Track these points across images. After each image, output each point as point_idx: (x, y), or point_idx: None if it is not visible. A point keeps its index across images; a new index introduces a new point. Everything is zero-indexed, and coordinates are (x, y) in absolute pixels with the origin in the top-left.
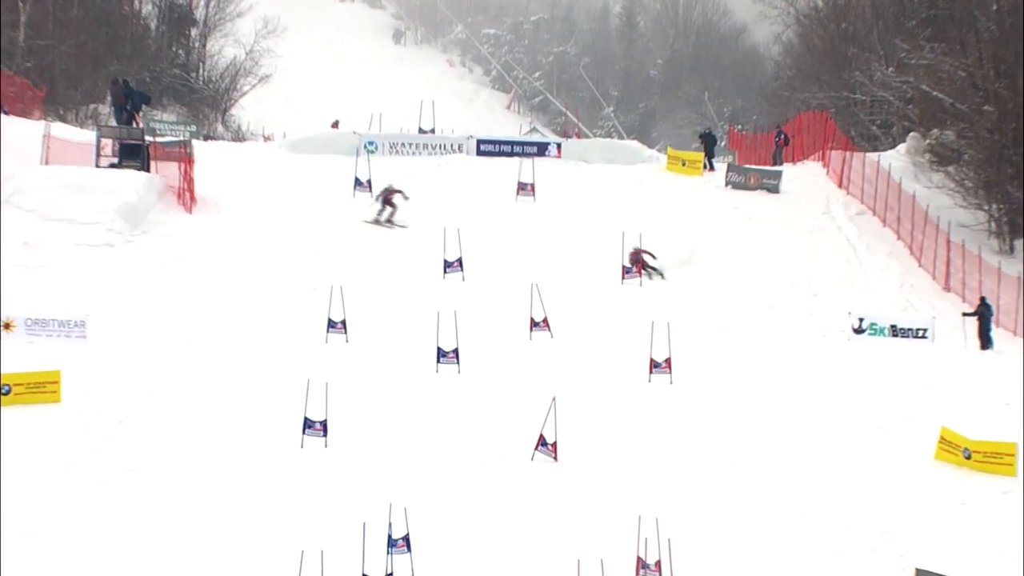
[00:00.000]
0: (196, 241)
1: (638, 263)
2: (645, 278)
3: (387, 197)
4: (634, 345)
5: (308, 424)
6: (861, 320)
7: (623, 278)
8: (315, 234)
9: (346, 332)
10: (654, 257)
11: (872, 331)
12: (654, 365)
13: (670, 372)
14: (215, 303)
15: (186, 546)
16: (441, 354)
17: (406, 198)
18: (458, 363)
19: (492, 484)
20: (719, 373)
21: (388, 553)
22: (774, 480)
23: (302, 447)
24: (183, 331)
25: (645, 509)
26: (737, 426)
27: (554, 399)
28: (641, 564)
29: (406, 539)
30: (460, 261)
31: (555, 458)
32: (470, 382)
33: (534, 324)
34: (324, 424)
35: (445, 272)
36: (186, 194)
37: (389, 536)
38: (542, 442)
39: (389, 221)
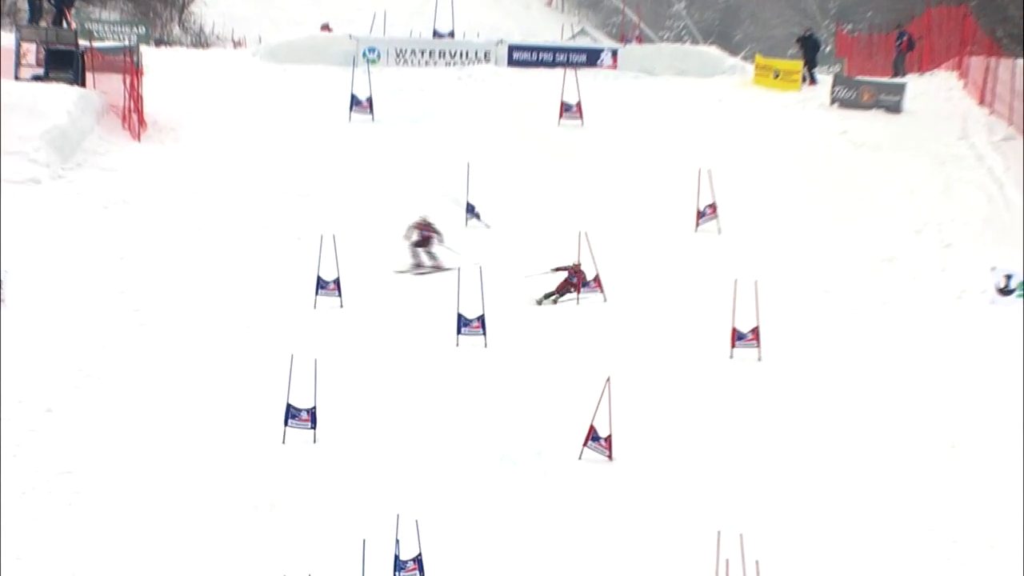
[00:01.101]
0: (146, 177)
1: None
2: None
3: (421, 239)
4: (711, 311)
5: (292, 413)
6: (1008, 278)
7: (697, 224)
8: (300, 168)
9: (340, 294)
10: None
11: (1022, 292)
12: (737, 336)
13: (758, 345)
14: (171, 257)
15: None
16: (463, 323)
17: (442, 242)
18: (484, 334)
19: (528, 490)
20: (822, 347)
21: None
22: (894, 485)
23: (284, 442)
24: (129, 294)
25: (726, 523)
26: (845, 415)
27: (608, 381)
28: None
29: (418, 561)
30: (472, 209)
31: (609, 456)
32: (500, 358)
33: (583, 283)
34: (312, 413)
35: (468, 218)
36: (133, 116)
37: (396, 557)
38: (593, 436)
39: (435, 267)
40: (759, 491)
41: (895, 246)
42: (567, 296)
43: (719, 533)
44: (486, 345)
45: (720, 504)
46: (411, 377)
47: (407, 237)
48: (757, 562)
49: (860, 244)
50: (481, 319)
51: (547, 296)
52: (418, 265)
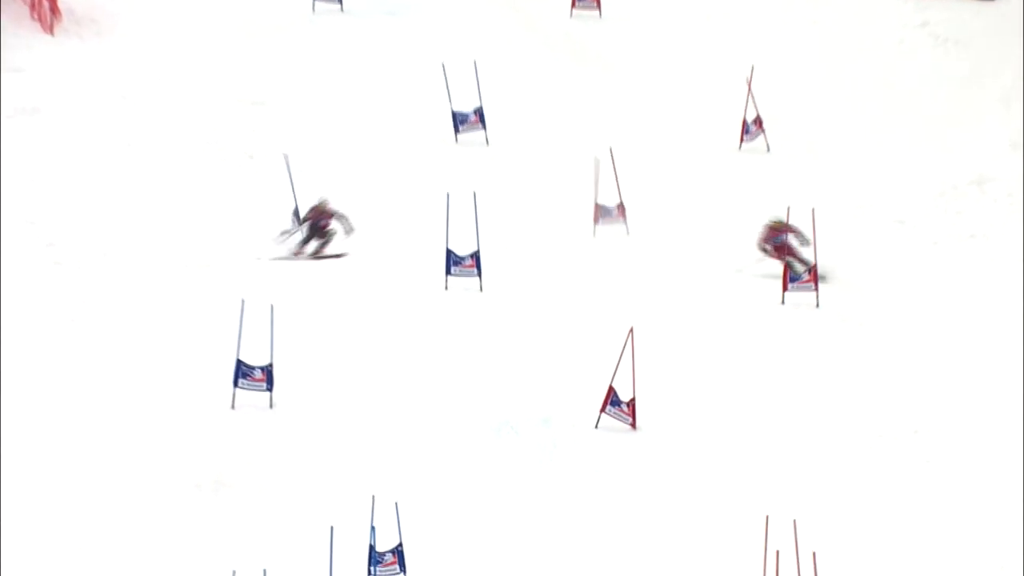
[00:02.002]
0: (60, 79)
1: (780, 247)
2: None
3: (317, 219)
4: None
5: (243, 372)
6: None
7: (741, 140)
8: (253, 71)
9: (300, 225)
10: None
11: None
12: (790, 278)
13: (815, 288)
14: (92, 181)
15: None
16: (453, 260)
17: (348, 230)
18: (479, 275)
19: (533, 466)
20: (894, 289)
21: (371, 575)
22: (985, 460)
23: (233, 408)
24: (41, 225)
25: (775, 505)
26: (921, 376)
27: (631, 332)
28: None
29: (398, 552)
30: (481, 113)
31: (632, 424)
32: (497, 304)
33: (600, 213)
34: (268, 372)
35: (458, 130)
36: (43, 4)
37: (371, 548)
38: (612, 400)
39: (317, 255)
40: (816, 467)
41: (986, 165)
42: None
43: (767, 518)
44: (481, 288)
45: (768, 483)
46: (389, 328)
47: (300, 221)
48: (814, 553)
49: (942, 164)
50: (475, 256)
51: None
52: (298, 255)
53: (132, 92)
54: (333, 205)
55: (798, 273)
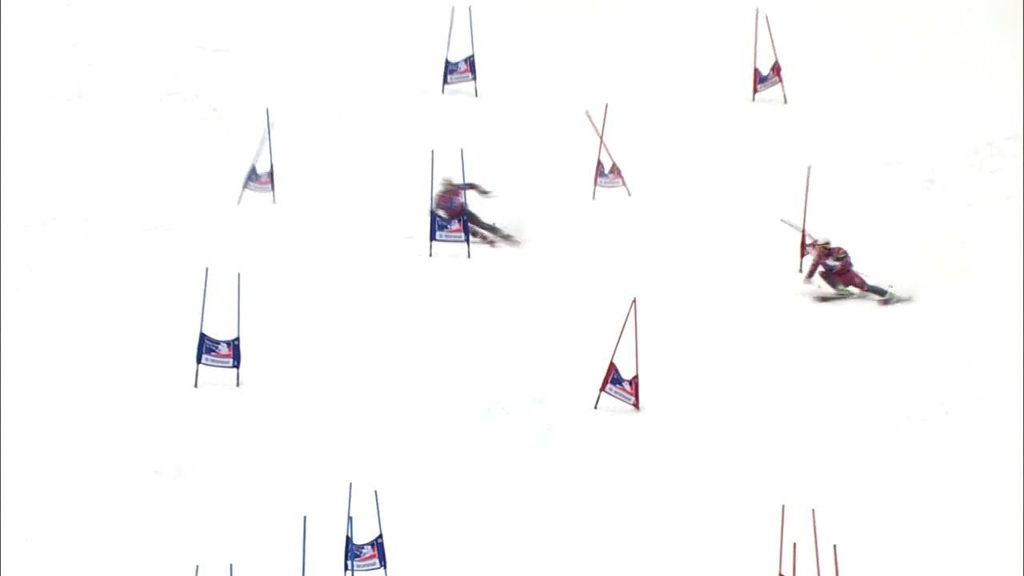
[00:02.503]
0: (7, 28)
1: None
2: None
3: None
4: (775, 210)
5: (207, 347)
6: None
7: (755, 89)
8: (214, 11)
9: (273, 186)
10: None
11: None
12: (809, 244)
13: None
14: (41, 138)
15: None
16: (438, 225)
17: (484, 192)
18: (467, 240)
19: (525, 449)
20: (921, 256)
21: (348, 569)
22: (1020, 442)
23: (196, 386)
24: None
25: (792, 493)
26: (953, 350)
27: (634, 303)
28: None
29: (377, 545)
30: (471, 63)
31: (635, 404)
32: (486, 272)
33: (600, 172)
34: (234, 346)
35: (447, 79)
36: None
37: (348, 540)
38: (613, 377)
39: (500, 235)
40: (833, 453)
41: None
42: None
43: (783, 507)
44: (469, 255)
45: (783, 470)
46: (368, 297)
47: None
48: (835, 546)
49: (976, 118)
50: (463, 221)
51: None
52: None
53: (84, 39)
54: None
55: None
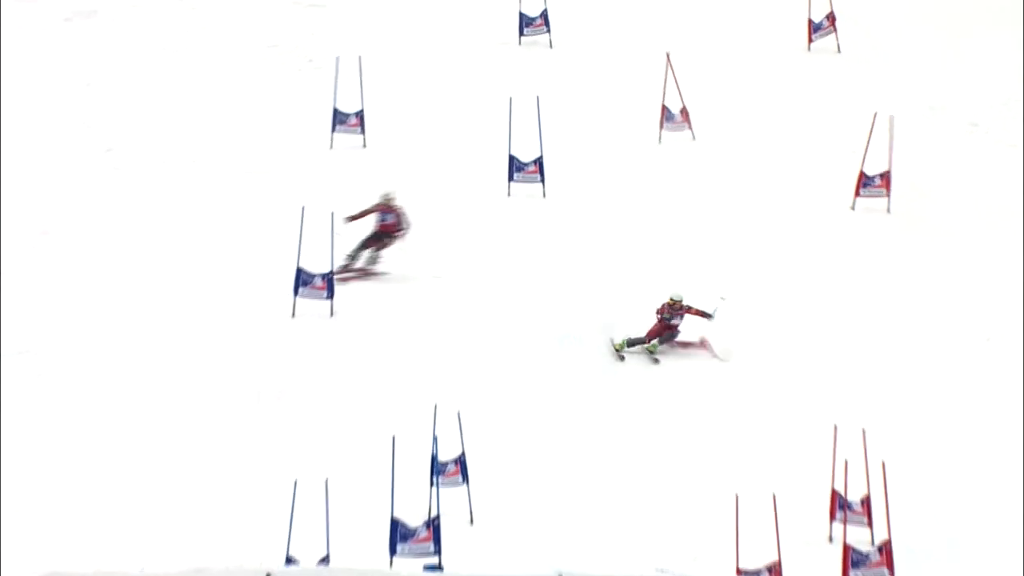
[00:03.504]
0: None
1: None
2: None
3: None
4: (830, 152)
5: (303, 279)
6: None
7: (810, 39)
8: None
9: (363, 131)
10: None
11: None
12: (863, 182)
13: (888, 194)
14: (151, 87)
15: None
16: (516, 166)
17: (400, 229)
18: (542, 181)
19: (595, 374)
20: (966, 195)
21: (433, 484)
22: None
23: (294, 316)
24: (98, 129)
25: (844, 413)
26: (995, 280)
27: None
28: (839, 503)
29: (460, 463)
30: (546, 16)
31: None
32: (561, 211)
33: (667, 117)
34: (328, 280)
35: (523, 32)
36: None
37: (434, 458)
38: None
39: (363, 271)
40: (882, 377)
41: None
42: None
43: (836, 427)
44: (544, 195)
45: (835, 392)
46: (452, 236)
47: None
48: (883, 463)
49: (1017, 65)
50: (539, 162)
51: (631, 343)
52: (346, 269)
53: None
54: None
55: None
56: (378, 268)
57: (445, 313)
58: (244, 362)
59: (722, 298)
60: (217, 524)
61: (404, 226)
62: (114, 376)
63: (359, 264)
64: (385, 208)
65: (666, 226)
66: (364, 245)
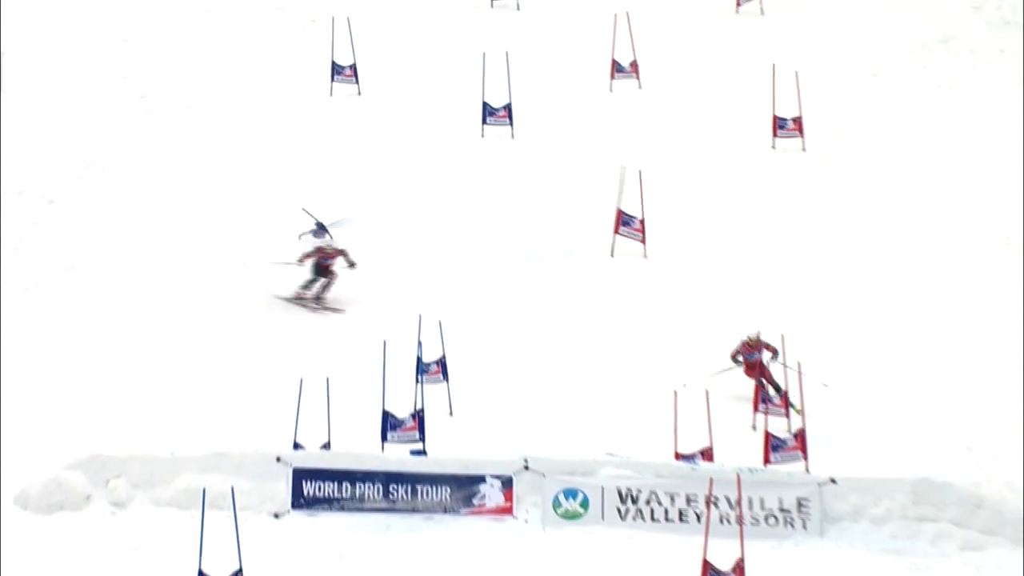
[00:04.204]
0: None
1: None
2: None
3: (321, 259)
4: (754, 97)
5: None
6: None
7: (738, 4)
8: None
9: (357, 80)
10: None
11: None
12: (779, 125)
13: (801, 135)
14: (176, 40)
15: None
16: (488, 111)
17: (351, 264)
18: (511, 124)
19: (556, 289)
20: (870, 135)
21: (418, 382)
22: (946, 283)
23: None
24: (133, 79)
25: (765, 320)
26: (895, 207)
27: (640, 174)
28: (762, 396)
29: (441, 363)
30: None
31: (643, 241)
32: (527, 150)
33: (616, 68)
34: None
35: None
36: None
37: (419, 359)
38: (623, 220)
39: (318, 299)
40: (796, 288)
41: (950, 26)
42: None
43: (759, 333)
44: (513, 136)
45: (757, 303)
46: (432, 169)
47: (304, 261)
48: (799, 363)
49: (912, 25)
50: (508, 108)
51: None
52: (302, 298)
53: None
54: (337, 240)
55: (769, 396)
56: (328, 297)
57: (426, 236)
58: (256, 275)
59: (824, 384)
60: (235, 415)
61: (346, 263)
62: (148, 287)
63: (311, 293)
64: (323, 254)
65: (615, 162)
66: (314, 278)
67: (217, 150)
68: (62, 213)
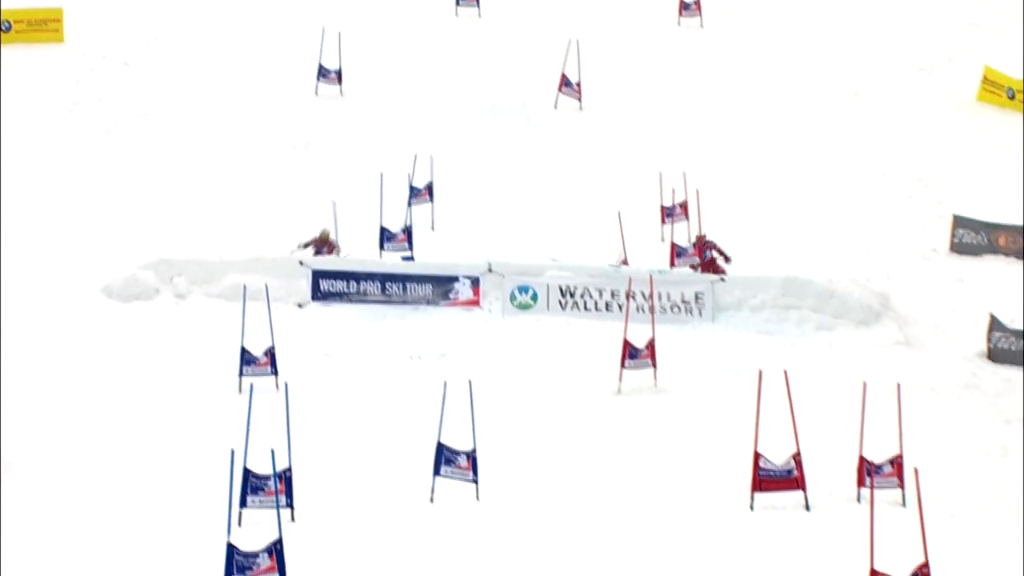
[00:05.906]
0: None
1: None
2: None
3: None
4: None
5: (322, 72)
6: None
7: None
8: None
9: (340, 82)
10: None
11: None
12: (684, 7)
13: (700, 15)
14: None
15: (193, 189)
16: (456, 1)
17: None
18: (478, 5)
19: (514, 135)
20: (754, 19)
21: (409, 204)
22: (808, 133)
23: (317, 94)
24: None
25: (671, 163)
26: (770, 74)
27: (578, 43)
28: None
29: (429, 188)
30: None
31: (579, 101)
32: (491, 24)
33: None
34: (339, 74)
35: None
36: None
37: (411, 186)
38: (565, 82)
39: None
40: (698, 133)
41: None
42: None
43: (661, 175)
44: (480, 15)
45: (667, 142)
46: (418, 43)
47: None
48: (698, 192)
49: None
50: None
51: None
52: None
53: None
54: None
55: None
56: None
57: (415, 91)
58: (286, 124)
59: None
60: (271, 225)
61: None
62: (202, 132)
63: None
64: (319, 243)
65: (563, 35)
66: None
67: (216, 138)
68: (135, 73)
